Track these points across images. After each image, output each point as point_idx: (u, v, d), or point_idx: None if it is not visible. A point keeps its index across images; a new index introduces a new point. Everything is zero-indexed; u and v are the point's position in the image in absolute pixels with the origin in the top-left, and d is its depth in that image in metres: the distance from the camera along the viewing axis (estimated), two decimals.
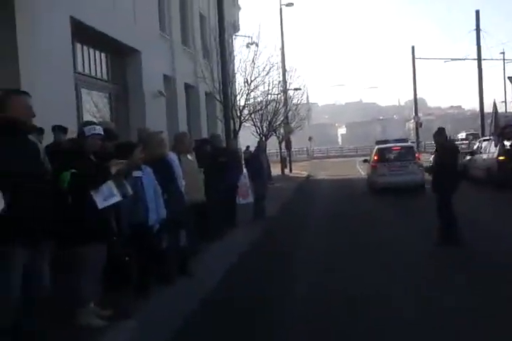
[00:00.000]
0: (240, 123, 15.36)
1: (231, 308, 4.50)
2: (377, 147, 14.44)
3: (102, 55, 10.76)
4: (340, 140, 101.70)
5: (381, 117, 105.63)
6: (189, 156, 5.96)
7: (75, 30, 8.68)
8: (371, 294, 4.72)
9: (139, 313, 4.02)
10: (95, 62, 10.41)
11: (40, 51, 7.57)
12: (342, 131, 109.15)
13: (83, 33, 9.23)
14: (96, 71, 10.48)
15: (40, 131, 5.55)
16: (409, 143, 16.64)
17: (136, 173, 4.35)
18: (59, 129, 6.09)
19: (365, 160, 15.25)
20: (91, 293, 3.72)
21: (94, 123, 3.90)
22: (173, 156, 5.24)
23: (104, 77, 10.86)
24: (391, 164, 13.36)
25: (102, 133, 3.79)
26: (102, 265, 3.78)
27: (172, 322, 4.02)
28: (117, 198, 3.68)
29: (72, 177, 3.45)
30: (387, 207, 11.31)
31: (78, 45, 9.59)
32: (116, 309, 3.91)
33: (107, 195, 3.59)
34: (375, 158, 13.81)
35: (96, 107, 10.47)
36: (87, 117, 9.74)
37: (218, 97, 13.71)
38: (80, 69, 9.63)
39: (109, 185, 3.62)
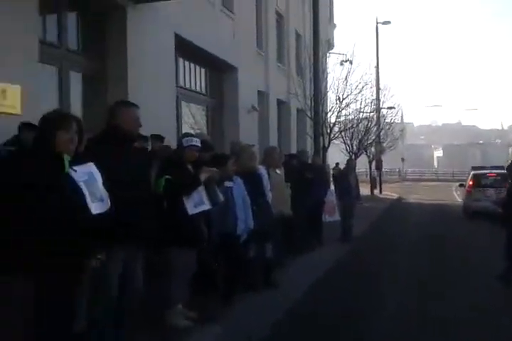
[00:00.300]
0: (330, 140, 15.30)
1: (316, 322, 4.48)
2: (472, 172, 14.89)
3: (202, 70, 11.30)
4: (435, 162, 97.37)
5: (481, 141, 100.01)
6: (277, 170, 6.06)
7: (178, 45, 9.23)
8: (459, 316, 4.56)
9: (223, 319, 4.12)
10: (195, 77, 10.96)
11: (147, 64, 8.13)
12: (438, 153, 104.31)
13: (185, 49, 9.78)
14: (195, 85, 11.02)
15: (145, 139, 5.92)
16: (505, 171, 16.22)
17: (228, 184, 4.51)
18: (156, 138, 6.46)
19: (461, 185, 15.55)
20: (179, 296, 3.88)
21: (192, 135, 4.11)
22: (262, 169, 5.36)
23: (203, 90, 11.38)
24: (486, 190, 13.40)
25: (199, 144, 3.98)
26: (191, 269, 3.93)
27: (256, 331, 4.07)
28: (207, 206, 3.84)
29: (166, 183, 3.66)
30: (479, 232, 10.79)
31: (180, 60, 10.17)
32: (202, 312, 4.04)
33: (197, 202, 3.76)
34: (471, 183, 14.13)
35: (194, 119, 11.00)
36: (185, 128, 10.26)
37: (309, 114, 13.81)
38: (181, 82, 10.18)
39: (200, 193, 3.78)
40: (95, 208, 2.56)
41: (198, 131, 9.27)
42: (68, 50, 7.20)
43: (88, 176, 2.60)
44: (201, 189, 3.83)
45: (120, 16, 7.81)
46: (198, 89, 11.12)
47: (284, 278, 5.48)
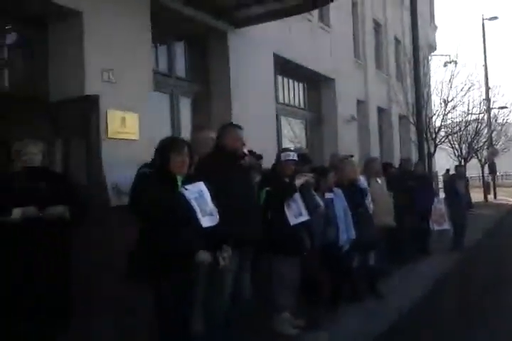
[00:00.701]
0: (435, 145, 14.77)
1: (420, 337, 4.44)
2: None
3: (300, 84, 11.60)
4: None
5: None
6: (378, 180, 6.10)
7: (277, 63, 9.63)
8: None
9: (329, 326, 4.28)
10: (293, 92, 11.29)
11: (247, 85, 8.60)
12: None
13: (284, 66, 10.16)
14: (294, 100, 11.34)
15: (260, 157, 6.20)
16: None
17: (328, 195, 4.69)
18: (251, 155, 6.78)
19: None
20: (286, 303, 4.11)
21: (289, 150, 4.36)
22: (362, 180, 5.46)
23: (301, 105, 11.66)
24: None
25: (296, 158, 4.22)
26: (296, 277, 4.16)
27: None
28: (306, 217, 4.06)
29: (267, 194, 3.94)
30: None
31: (279, 77, 10.56)
32: (308, 320, 4.24)
33: (296, 213, 4.00)
34: None
35: (293, 133, 11.31)
36: (285, 142, 10.62)
37: (412, 120, 13.49)
38: (280, 99, 10.56)
39: (299, 204, 4.02)
40: (205, 222, 2.89)
41: (298, 146, 9.54)
42: (177, 78, 7.88)
43: (198, 194, 2.96)
44: (299, 200, 4.06)
45: (221, 41, 8.38)
46: (296, 103, 11.43)
47: (390, 289, 5.49)
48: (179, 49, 8.10)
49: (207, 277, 3.18)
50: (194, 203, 2.89)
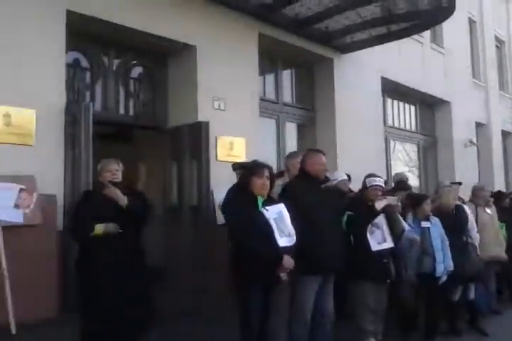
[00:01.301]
0: None
1: None
2: None
3: (411, 107, 11.33)
4: None
5: None
6: (488, 210, 5.77)
7: (385, 87, 9.56)
8: None
9: None
10: (404, 115, 11.05)
11: (353, 109, 8.66)
12: None
13: (393, 89, 10.05)
14: (405, 123, 11.10)
15: (349, 178, 6.23)
16: None
17: (424, 224, 4.58)
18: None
19: None
20: (369, 327, 4.08)
21: (375, 176, 4.34)
22: (466, 209, 5.22)
23: (413, 128, 11.36)
24: None
25: (382, 184, 4.20)
26: (380, 304, 4.11)
27: None
28: (390, 244, 4.02)
29: (348, 218, 4.00)
30: None
31: (388, 100, 10.45)
32: None
33: (380, 240, 3.98)
34: None
35: (406, 157, 11.04)
36: (398, 165, 10.44)
37: None
38: (389, 122, 10.42)
39: (383, 231, 4.00)
40: (282, 242, 3.06)
41: (404, 171, 9.30)
42: (284, 104, 8.22)
43: (278, 215, 3.15)
44: (384, 226, 4.03)
45: (327, 67, 8.59)
46: (408, 127, 11.16)
47: (496, 328, 5.11)
48: (286, 76, 8.45)
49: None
50: (273, 222, 3.08)
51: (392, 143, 10.40)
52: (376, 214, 4.03)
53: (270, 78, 8.15)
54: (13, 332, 4.41)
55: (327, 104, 8.55)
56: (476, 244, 5.27)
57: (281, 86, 8.21)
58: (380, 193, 4.17)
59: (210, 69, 6.60)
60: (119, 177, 3.62)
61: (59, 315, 4.40)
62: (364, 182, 4.31)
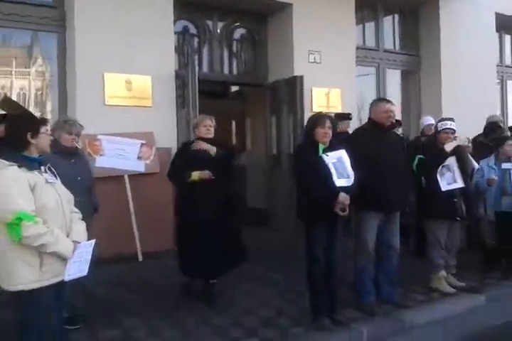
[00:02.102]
0: None
1: None
2: None
3: None
4: None
5: None
6: None
7: (502, 23, 8.94)
8: None
9: (489, 292, 4.43)
10: None
11: (464, 50, 8.31)
12: None
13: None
14: None
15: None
16: None
17: (505, 165, 4.67)
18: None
19: None
20: (441, 262, 4.41)
21: (447, 119, 4.46)
22: None
23: None
24: None
25: (453, 127, 4.32)
26: (452, 240, 4.41)
27: None
28: (460, 184, 4.21)
29: (418, 161, 4.28)
30: None
31: (507, 38, 9.73)
32: (471, 284, 4.51)
33: (450, 180, 4.19)
34: None
35: None
36: None
37: None
38: (507, 61, 9.75)
39: (453, 172, 4.18)
40: (340, 182, 3.51)
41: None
42: (385, 51, 8.23)
43: (337, 159, 3.59)
44: (455, 168, 4.23)
45: (432, 10, 8.32)
46: None
47: None
48: (388, 22, 8.38)
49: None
50: (331, 166, 3.53)
51: (509, 83, 9.75)
52: (446, 156, 4.23)
53: (371, 25, 8.17)
54: (140, 259, 5.57)
55: (432, 48, 8.36)
56: None
57: (382, 33, 8.20)
58: (451, 136, 4.34)
59: (306, 24, 6.94)
60: (211, 132, 4.28)
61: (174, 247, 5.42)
62: (436, 126, 4.50)
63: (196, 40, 6.85)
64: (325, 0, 7.07)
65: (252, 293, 4.44)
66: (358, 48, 7.63)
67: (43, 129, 2.52)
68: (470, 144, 4.37)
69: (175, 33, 6.37)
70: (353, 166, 3.64)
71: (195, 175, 4.08)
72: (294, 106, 6.72)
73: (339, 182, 3.55)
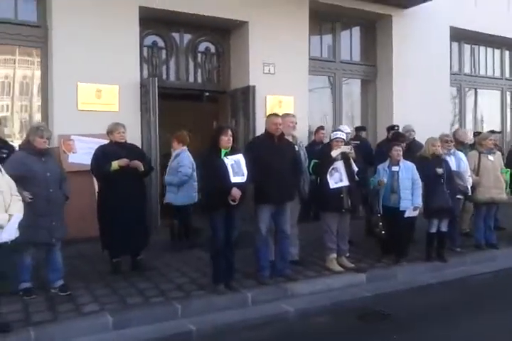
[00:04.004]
0: None
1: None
2: None
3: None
4: None
5: None
6: (490, 157, 6.34)
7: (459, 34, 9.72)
8: None
9: (372, 272, 5.38)
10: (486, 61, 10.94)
11: (413, 60, 9.11)
12: None
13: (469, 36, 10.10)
14: (486, 70, 11.00)
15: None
16: None
17: (394, 168, 5.59)
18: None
19: None
20: (333, 246, 5.34)
21: (338, 130, 5.48)
22: (450, 156, 5.98)
23: (497, 74, 11.17)
24: None
25: (343, 137, 5.28)
26: (342, 228, 5.35)
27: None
28: (345, 183, 5.14)
29: (313, 164, 5.24)
30: None
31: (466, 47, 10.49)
32: (359, 266, 5.46)
33: (337, 179, 5.12)
34: None
35: (488, 104, 11.05)
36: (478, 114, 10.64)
37: None
38: (466, 70, 10.54)
39: (340, 173, 5.11)
40: (235, 179, 4.47)
41: None
42: (341, 62, 9.13)
43: (235, 161, 4.55)
44: (342, 170, 5.16)
45: (386, 23, 9.18)
46: (489, 73, 11.04)
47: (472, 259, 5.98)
48: (346, 36, 9.27)
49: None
50: (229, 167, 4.49)
51: (468, 90, 10.52)
52: (332, 160, 5.18)
53: (328, 38, 9.07)
54: None
55: (385, 58, 9.22)
56: (468, 186, 6.07)
57: (338, 45, 9.08)
58: (340, 144, 5.27)
59: (261, 39, 7.90)
60: (124, 137, 5.22)
61: None
62: (330, 136, 5.45)
63: (164, 52, 7.87)
64: (280, 17, 8.00)
65: (176, 267, 5.47)
66: (314, 59, 8.56)
67: None
68: (352, 151, 5.26)
69: (144, 46, 7.44)
70: (249, 167, 4.62)
71: (115, 163, 4.93)
72: (247, 112, 7.70)
73: (235, 179, 4.52)
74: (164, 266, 5.50)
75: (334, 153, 5.16)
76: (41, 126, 4.83)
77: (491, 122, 10.70)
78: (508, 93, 11.23)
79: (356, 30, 9.39)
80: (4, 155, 5.36)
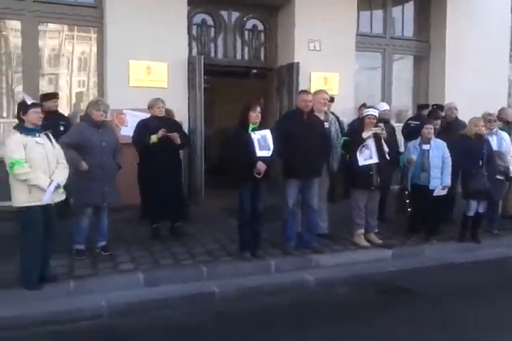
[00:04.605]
0: None
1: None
2: None
3: None
4: None
5: None
6: None
7: None
8: None
9: (399, 249, 5.47)
10: None
11: (468, 38, 8.79)
12: None
13: None
14: None
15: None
16: None
17: (425, 146, 5.59)
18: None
19: None
20: (361, 222, 5.46)
21: (371, 107, 5.54)
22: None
23: None
24: None
25: (375, 114, 5.33)
26: (373, 205, 5.47)
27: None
28: (375, 160, 5.20)
29: (344, 142, 5.35)
30: None
31: None
32: (385, 241, 5.56)
33: (367, 157, 5.20)
34: None
35: None
36: None
37: None
38: None
39: (370, 150, 5.17)
40: (261, 153, 4.68)
41: None
42: (392, 38, 8.95)
43: (262, 137, 4.76)
44: (372, 147, 5.21)
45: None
46: None
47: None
48: (398, 11, 9.05)
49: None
50: (255, 142, 4.70)
51: None
52: (362, 141, 5.25)
53: (378, 14, 8.90)
54: None
55: (439, 35, 8.93)
56: (510, 167, 5.95)
57: (390, 20, 8.89)
58: (373, 120, 5.32)
59: (307, 15, 7.92)
60: (163, 112, 5.53)
61: None
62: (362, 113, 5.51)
63: (212, 30, 8.11)
64: None
65: (210, 234, 5.85)
66: (363, 35, 8.48)
67: (30, 110, 4.04)
68: (384, 132, 5.28)
69: (194, 24, 7.71)
70: (277, 142, 4.83)
71: (153, 137, 5.29)
72: (291, 89, 7.83)
73: (261, 153, 4.75)
74: (199, 232, 5.89)
75: (365, 135, 5.23)
76: (99, 100, 5.30)
77: None
78: None
79: (409, 5, 9.12)
80: (62, 128, 5.93)
